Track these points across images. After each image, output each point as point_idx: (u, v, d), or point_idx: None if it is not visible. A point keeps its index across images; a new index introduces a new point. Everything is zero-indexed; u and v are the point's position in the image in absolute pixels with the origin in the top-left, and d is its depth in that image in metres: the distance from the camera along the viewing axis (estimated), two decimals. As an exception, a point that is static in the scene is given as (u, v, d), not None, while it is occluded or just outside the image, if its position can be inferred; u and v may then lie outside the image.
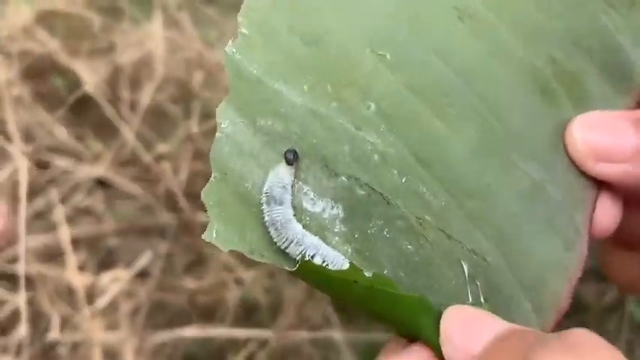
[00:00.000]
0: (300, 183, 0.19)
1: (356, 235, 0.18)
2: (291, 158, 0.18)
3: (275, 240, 0.18)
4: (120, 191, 0.74)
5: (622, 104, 0.21)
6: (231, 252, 0.18)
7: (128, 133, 0.79)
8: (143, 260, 0.51)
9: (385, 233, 0.18)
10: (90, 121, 0.82)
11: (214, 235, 0.18)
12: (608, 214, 0.21)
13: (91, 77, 0.85)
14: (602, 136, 0.20)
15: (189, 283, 0.55)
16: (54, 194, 0.73)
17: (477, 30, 0.19)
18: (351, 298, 0.18)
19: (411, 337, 0.19)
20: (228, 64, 0.19)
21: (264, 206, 0.18)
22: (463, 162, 0.19)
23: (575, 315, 0.67)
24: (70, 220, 0.71)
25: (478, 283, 0.18)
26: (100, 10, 1.06)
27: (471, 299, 0.18)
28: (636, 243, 0.24)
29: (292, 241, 0.18)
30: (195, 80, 0.89)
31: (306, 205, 0.19)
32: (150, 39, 0.94)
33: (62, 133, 0.80)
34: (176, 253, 0.60)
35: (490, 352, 0.17)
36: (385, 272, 0.18)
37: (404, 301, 0.18)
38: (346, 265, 0.17)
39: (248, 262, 0.56)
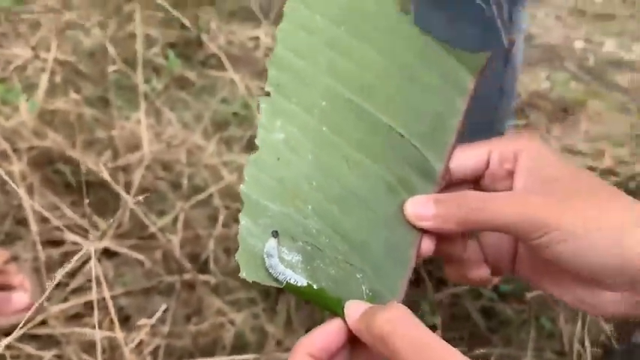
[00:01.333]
0: (280, 246, 0.37)
1: (308, 268, 0.37)
2: (275, 235, 0.37)
3: (273, 274, 0.36)
4: (125, 259, 0.89)
5: (432, 191, 0.40)
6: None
7: (126, 210, 0.94)
8: (157, 314, 0.66)
9: (321, 265, 0.37)
10: (92, 201, 0.97)
11: (244, 275, 0.35)
12: (427, 246, 0.39)
13: (89, 163, 1.00)
14: (419, 207, 0.39)
15: (191, 328, 0.70)
16: (68, 267, 0.87)
17: (355, 167, 0.38)
18: (307, 298, 0.37)
19: (335, 315, 0.36)
20: (243, 196, 0.36)
21: (266, 258, 0.36)
22: (352, 231, 0.38)
23: (501, 328, 0.84)
24: (85, 286, 0.85)
25: (365, 283, 0.37)
26: (90, 102, 1.22)
27: (362, 291, 0.37)
28: (451, 259, 0.41)
29: (280, 273, 0.36)
30: (180, 159, 1.05)
31: (284, 256, 0.37)
32: (136, 126, 1.10)
33: (69, 213, 0.95)
34: (178, 306, 0.75)
35: (361, 317, 0.34)
36: (323, 284, 0.37)
37: (331, 300, 0.36)
38: (305, 283, 0.36)
39: (238, 307, 0.72)
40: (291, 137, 0.37)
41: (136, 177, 1.01)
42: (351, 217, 0.37)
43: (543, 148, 0.39)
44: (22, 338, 0.76)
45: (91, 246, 0.86)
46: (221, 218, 0.94)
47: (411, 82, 0.41)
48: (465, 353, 0.32)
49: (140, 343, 0.65)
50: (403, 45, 0.41)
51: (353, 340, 0.35)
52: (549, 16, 1.94)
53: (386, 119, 0.39)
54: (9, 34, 1.49)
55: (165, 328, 0.69)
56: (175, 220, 0.94)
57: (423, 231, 0.38)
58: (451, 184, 0.41)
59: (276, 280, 0.36)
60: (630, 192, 1.29)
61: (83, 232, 0.92)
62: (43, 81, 1.21)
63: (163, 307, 0.63)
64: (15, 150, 1.00)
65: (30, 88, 1.25)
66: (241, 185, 0.36)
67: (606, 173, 1.20)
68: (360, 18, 0.41)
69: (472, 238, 0.41)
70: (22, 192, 0.95)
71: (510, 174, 0.39)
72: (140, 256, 0.87)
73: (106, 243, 0.88)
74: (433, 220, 0.38)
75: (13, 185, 0.87)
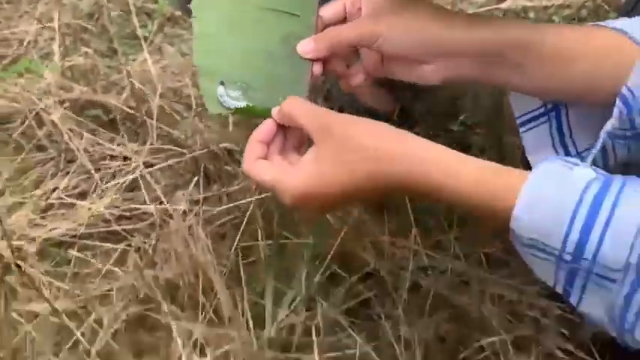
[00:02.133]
0: (227, 89, 0.58)
1: (245, 97, 0.58)
2: (222, 83, 0.58)
3: (226, 106, 0.58)
4: (161, 168, 1.09)
5: (312, 34, 0.60)
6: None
7: (154, 132, 1.13)
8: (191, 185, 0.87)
9: (253, 93, 0.59)
10: (124, 132, 1.17)
11: (210, 110, 0.58)
12: (317, 69, 0.59)
13: (114, 102, 1.19)
14: (304, 46, 0.59)
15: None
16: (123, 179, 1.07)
17: (263, 35, 0.60)
18: (248, 113, 0.59)
19: (266, 118, 0.57)
20: (197, 65, 0.59)
21: (220, 98, 0.58)
22: (268, 69, 0.60)
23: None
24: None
25: (280, 96, 0.58)
26: (100, 53, 1.40)
27: (279, 101, 0.57)
28: (339, 75, 0.62)
29: (230, 104, 0.58)
30: (186, 83, 1.23)
31: (230, 93, 0.58)
32: (144, 64, 1.28)
33: (109, 145, 1.14)
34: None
35: (278, 111, 0.56)
36: (257, 102, 0.59)
37: (263, 110, 0.58)
38: (244, 105, 0.58)
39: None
40: (219, 30, 0.59)
41: (154, 105, 1.19)
42: (266, 63, 0.59)
43: None
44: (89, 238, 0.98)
45: (137, 159, 1.07)
46: (231, 119, 1.13)
47: None
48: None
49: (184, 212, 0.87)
50: None
51: (283, 127, 0.57)
52: None
53: (278, 7, 0.61)
54: (13, 16, 1.66)
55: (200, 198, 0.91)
56: (193, 132, 1.13)
57: (312, 60, 0.59)
58: (328, 27, 0.60)
59: (229, 109, 0.58)
60: (582, 19, 1.42)
61: (123, 158, 1.12)
62: (56, 47, 1.38)
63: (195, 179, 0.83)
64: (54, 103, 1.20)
65: (47, 55, 1.43)
66: (193, 57, 0.59)
67: (561, 7, 1.32)
68: None
69: (357, 58, 0.61)
70: (66, 137, 1.16)
71: (360, 10, 0.58)
72: (171, 162, 1.07)
73: (144, 159, 1.08)
74: (314, 52, 0.59)
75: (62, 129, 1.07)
